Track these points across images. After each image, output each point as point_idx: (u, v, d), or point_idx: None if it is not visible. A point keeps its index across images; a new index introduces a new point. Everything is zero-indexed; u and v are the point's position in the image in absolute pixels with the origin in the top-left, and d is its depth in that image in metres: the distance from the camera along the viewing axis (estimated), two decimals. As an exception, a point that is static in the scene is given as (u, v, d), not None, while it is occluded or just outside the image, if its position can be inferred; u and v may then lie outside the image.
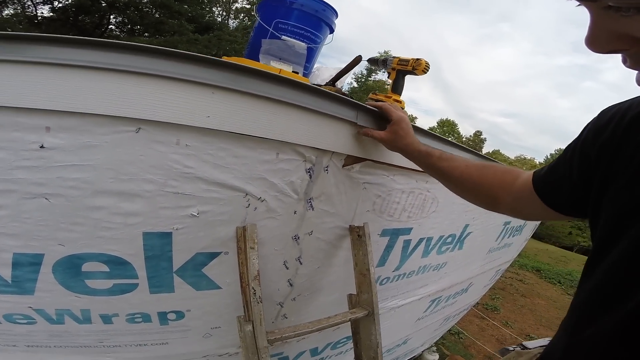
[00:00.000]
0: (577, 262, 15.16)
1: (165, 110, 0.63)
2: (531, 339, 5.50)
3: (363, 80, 28.83)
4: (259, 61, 1.14)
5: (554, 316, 7.02)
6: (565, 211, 0.57)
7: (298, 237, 0.97)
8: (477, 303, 4.41)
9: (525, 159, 39.42)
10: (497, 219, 2.32)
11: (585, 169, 0.50)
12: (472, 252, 2.41)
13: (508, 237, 2.91)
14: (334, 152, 0.87)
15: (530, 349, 0.76)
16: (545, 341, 0.78)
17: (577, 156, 0.52)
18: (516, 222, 2.80)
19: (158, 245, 0.79)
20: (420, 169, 1.17)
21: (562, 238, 25.09)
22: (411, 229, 1.43)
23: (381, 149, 0.95)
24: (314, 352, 1.73)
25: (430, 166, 0.80)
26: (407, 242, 1.49)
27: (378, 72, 28.21)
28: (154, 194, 0.70)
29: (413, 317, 2.57)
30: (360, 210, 1.08)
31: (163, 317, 0.94)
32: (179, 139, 0.67)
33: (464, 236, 2.01)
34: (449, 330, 4.34)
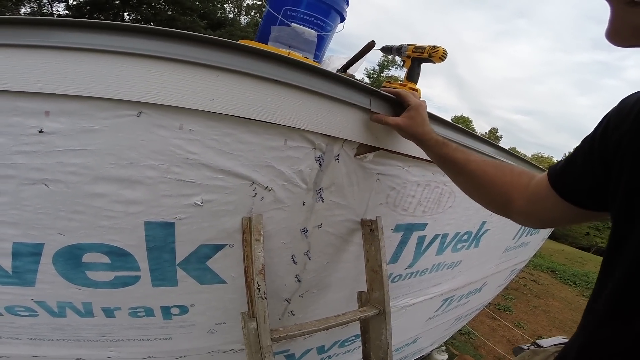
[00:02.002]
0: (593, 263, 14.71)
1: (168, 93, 0.60)
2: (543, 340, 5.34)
3: (375, 76, 28.55)
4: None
5: (568, 318, 6.82)
6: (584, 203, 0.53)
7: (307, 230, 0.93)
8: (489, 303, 4.31)
9: (542, 156, 38.58)
10: (515, 217, 2.22)
11: (606, 158, 0.47)
12: (488, 251, 2.33)
13: (525, 236, 2.81)
14: (345, 139, 0.82)
15: (544, 347, 0.71)
16: (559, 339, 0.73)
17: (598, 145, 0.49)
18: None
19: (160, 236, 0.76)
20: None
21: (579, 239, 24.37)
22: (426, 224, 1.37)
23: (396, 138, 0.90)
24: (321, 349, 1.69)
25: (444, 157, 0.75)
26: (421, 239, 1.43)
27: (391, 67, 27.91)
28: (156, 181, 0.67)
29: (424, 317, 2.50)
30: (373, 203, 1.03)
31: (166, 311, 0.92)
32: (182, 124, 0.63)
33: (480, 233, 1.94)
34: (460, 330, 4.25)
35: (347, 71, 1.18)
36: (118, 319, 0.89)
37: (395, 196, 1.09)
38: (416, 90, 1.00)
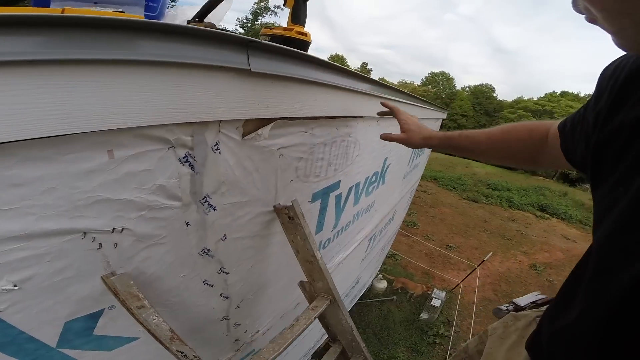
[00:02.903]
0: (461, 166, 18.39)
1: None
2: (451, 248, 6.51)
3: (249, 25, 26.25)
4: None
5: (461, 223, 8.41)
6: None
7: (208, 250, 0.70)
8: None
9: (406, 82, 44.26)
10: (407, 145, 2.38)
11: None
12: (393, 182, 2.48)
13: (416, 159, 3.12)
14: (222, 120, 0.58)
15: (521, 306, 0.74)
16: (534, 296, 0.77)
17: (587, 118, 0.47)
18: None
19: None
20: (336, 115, 0.98)
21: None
22: (340, 181, 1.28)
23: (292, 101, 0.70)
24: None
25: (455, 147, 0.81)
26: (338, 197, 1.36)
27: (265, 14, 25.99)
28: None
29: (358, 260, 2.62)
30: (282, 184, 0.84)
31: None
32: None
33: (384, 170, 2.00)
34: (386, 255, 4.75)
35: (206, 20, 0.87)
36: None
37: (305, 166, 0.93)
38: (305, 34, 0.79)
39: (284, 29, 0.81)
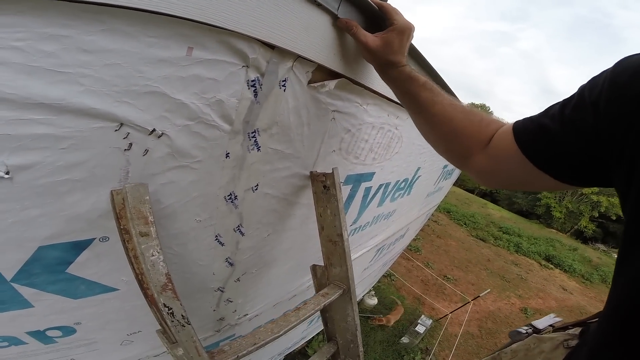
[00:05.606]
0: (477, 205, 18.05)
1: None
2: (448, 279, 6.36)
3: None
4: None
5: (464, 257, 8.26)
6: (569, 178, 0.44)
7: (235, 197, 0.63)
8: (404, 245, 4.74)
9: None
10: (440, 162, 2.29)
11: (608, 127, 0.37)
12: (416, 197, 2.39)
13: (442, 181, 3.00)
14: (298, 56, 0.52)
15: (540, 329, 0.72)
16: (551, 319, 0.76)
17: (592, 118, 0.39)
18: (451, 165, 2.88)
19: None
20: (393, 99, 0.91)
21: (465, 181, 28.92)
22: (374, 173, 1.21)
23: (364, 64, 0.64)
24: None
25: (410, 93, 0.60)
26: (367, 190, 1.28)
27: None
28: None
29: (360, 269, 2.52)
30: (325, 151, 0.77)
31: (41, 336, 0.63)
32: None
33: (414, 180, 1.91)
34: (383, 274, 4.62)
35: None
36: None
37: (350, 141, 0.86)
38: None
39: None
